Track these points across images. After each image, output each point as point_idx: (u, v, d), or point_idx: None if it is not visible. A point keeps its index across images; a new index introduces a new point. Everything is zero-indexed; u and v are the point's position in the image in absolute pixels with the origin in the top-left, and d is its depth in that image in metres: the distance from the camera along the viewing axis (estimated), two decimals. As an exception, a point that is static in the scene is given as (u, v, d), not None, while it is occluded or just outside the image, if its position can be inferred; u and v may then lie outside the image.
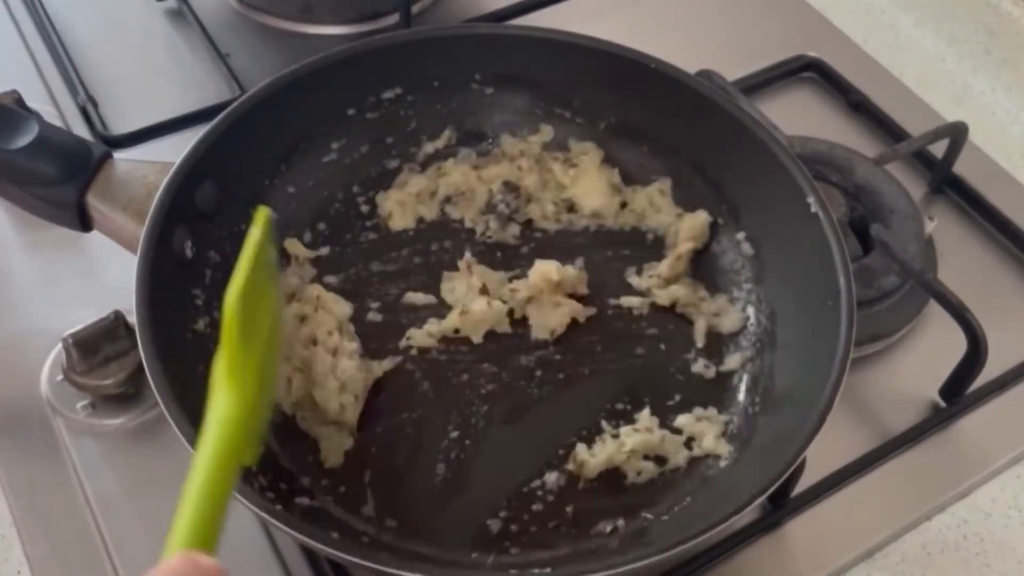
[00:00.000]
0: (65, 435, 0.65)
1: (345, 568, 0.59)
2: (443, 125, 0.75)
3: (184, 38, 0.90)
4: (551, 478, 0.61)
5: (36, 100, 0.81)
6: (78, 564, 0.60)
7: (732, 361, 0.66)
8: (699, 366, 0.66)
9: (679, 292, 0.68)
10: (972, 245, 0.78)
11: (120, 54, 0.89)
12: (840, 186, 0.75)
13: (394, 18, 0.89)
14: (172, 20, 0.92)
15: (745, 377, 0.65)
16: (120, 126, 0.82)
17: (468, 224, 0.72)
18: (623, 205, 0.73)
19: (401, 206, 0.72)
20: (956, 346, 0.67)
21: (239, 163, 0.66)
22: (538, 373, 0.65)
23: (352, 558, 0.50)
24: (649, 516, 0.59)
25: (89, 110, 0.83)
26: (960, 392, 0.68)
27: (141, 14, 0.92)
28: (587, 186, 0.73)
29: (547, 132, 0.75)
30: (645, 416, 0.63)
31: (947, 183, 0.81)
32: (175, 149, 0.64)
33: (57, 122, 0.81)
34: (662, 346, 0.67)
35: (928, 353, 0.71)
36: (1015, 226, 0.78)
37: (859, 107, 0.87)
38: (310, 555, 0.60)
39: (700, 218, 0.70)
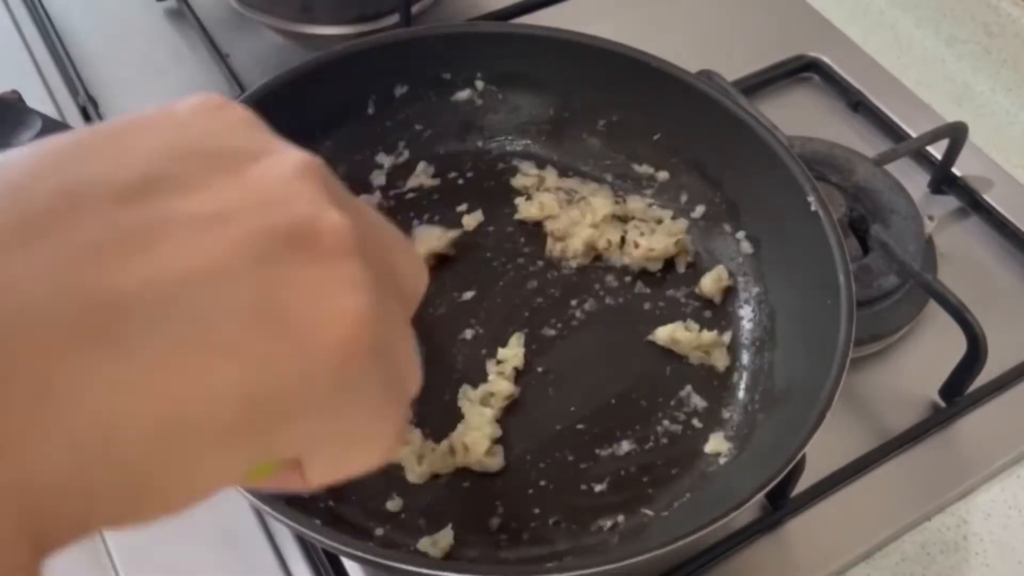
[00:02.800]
0: (64, 434, 0.65)
1: (339, 559, 0.59)
2: (444, 123, 0.75)
3: (184, 38, 0.90)
4: (551, 474, 0.61)
5: (36, 100, 0.81)
6: (78, 564, 0.60)
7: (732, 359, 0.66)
8: (699, 365, 0.66)
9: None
10: (972, 245, 0.78)
11: (120, 54, 0.89)
12: (840, 186, 0.75)
13: (394, 18, 0.89)
14: (172, 20, 0.92)
15: (745, 375, 0.65)
16: (120, 126, 0.82)
17: None
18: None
19: None
20: (956, 346, 0.67)
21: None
22: (538, 370, 0.65)
23: (349, 550, 0.50)
24: (649, 512, 0.59)
25: (89, 110, 0.83)
26: (960, 392, 0.68)
27: (141, 14, 0.92)
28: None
29: (547, 131, 0.75)
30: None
31: (947, 183, 0.81)
32: (175, 148, 0.64)
33: (57, 122, 0.81)
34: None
35: (928, 353, 0.71)
36: (1015, 226, 0.78)
37: (859, 107, 0.87)
38: (304, 544, 0.60)
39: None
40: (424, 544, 0.57)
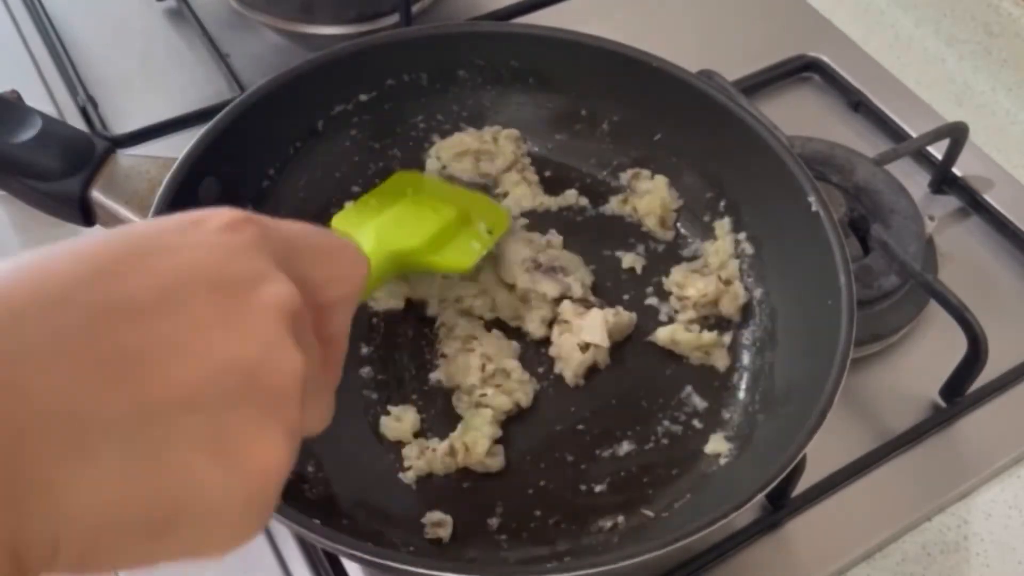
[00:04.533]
0: (64, 434, 0.65)
1: (339, 559, 0.59)
2: (445, 122, 0.75)
3: (184, 38, 0.90)
4: (551, 474, 0.61)
5: (36, 100, 0.80)
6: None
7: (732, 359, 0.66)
8: (699, 365, 0.66)
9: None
10: (972, 245, 0.78)
11: (120, 54, 0.89)
12: (840, 186, 0.75)
13: (394, 18, 0.89)
14: (172, 20, 0.92)
15: (745, 376, 0.65)
16: (120, 126, 0.82)
17: None
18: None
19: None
20: (956, 346, 0.67)
21: (240, 159, 0.66)
22: (539, 370, 0.65)
23: (349, 550, 0.50)
24: (649, 513, 0.59)
25: (89, 110, 0.83)
26: (960, 392, 0.68)
27: (141, 14, 0.92)
28: None
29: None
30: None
31: (947, 183, 0.81)
32: (175, 149, 0.63)
33: (57, 122, 0.80)
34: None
35: (928, 353, 0.71)
36: (1015, 226, 0.78)
37: (859, 107, 0.87)
38: (304, 544, 0.60)
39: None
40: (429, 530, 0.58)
